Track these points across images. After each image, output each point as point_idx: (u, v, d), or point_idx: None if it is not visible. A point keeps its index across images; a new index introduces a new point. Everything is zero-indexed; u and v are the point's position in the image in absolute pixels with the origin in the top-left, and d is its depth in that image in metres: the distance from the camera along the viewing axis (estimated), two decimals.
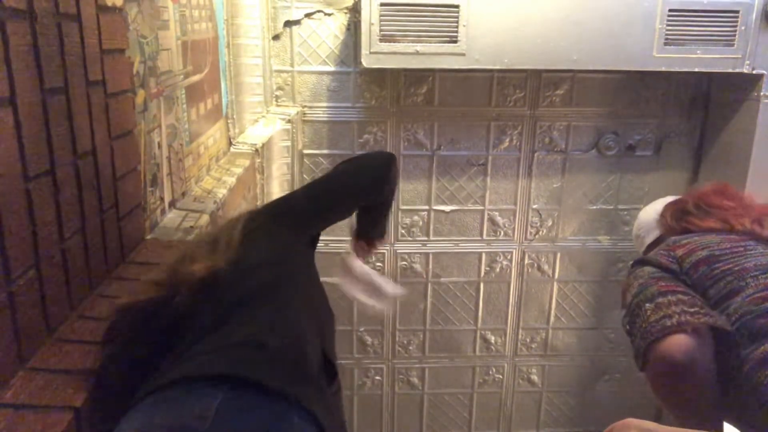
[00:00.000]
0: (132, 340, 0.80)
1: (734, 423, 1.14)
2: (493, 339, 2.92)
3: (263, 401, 0.64)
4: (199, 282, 0.81)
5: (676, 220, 1.43)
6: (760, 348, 1.04)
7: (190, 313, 0.79)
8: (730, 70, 2.26)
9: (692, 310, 1.10)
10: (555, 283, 2.85)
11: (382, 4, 2.10)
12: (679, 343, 1.06)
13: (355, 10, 2.37)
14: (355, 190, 1.18)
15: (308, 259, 1.05)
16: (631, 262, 1.35)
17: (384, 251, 2.71)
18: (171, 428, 0.60)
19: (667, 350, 1.07)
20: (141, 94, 1.23)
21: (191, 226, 1.35)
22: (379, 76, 2.48)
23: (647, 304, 1.16)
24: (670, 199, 1.54)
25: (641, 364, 1.15)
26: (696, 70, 2.25)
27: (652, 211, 1.56)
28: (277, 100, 2.51)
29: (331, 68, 2.49)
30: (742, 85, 2.36)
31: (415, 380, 2.95)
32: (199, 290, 0.81)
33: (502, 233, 2.76)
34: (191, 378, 0.65)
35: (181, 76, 1.51)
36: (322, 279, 1.03)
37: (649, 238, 1.53)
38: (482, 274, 2.81)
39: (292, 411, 0.64)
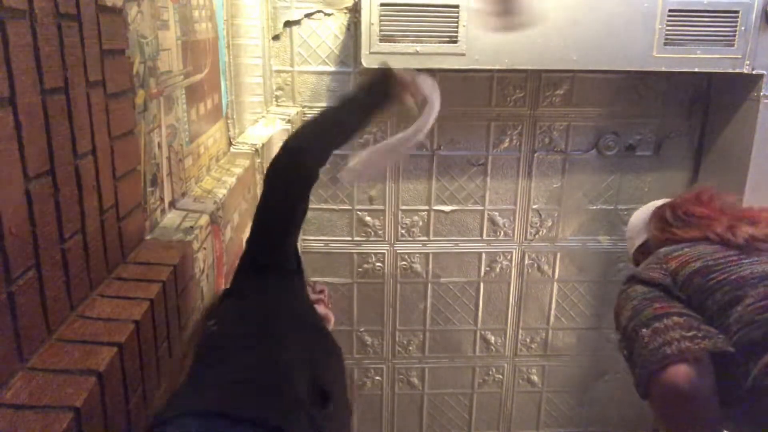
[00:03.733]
0: None
1: None
2: (493, 339, 2.91)
3: (238, 425, 0.71)
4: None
5: (660, 230, 1.42)
6: None
7: None
8: (730, 70, 2.25)
9: (690, 334, 1.08)
10: (555, 283, 2.85)
11: (382, 4, 2.10)
12: (681, 373, 1.05)
13: (355, 10, 2.37)
14: (279, 217, 1.18)
15: (292, 293, 1.08)
16: (623, 280, 1.33)
17: (384, 251, 2.71)
18: None
19: (670, 381, 1.06)
20: (141, 94, 1.23)
21: (191, 226, 1.35)
22: None
23: (643, 330, 1.14)
24: (659, 202, 1.53)
25: (643, 394, 1.14)
26: (696, 70, 2.25)
27: (642, 215, 1.57)
28: (277, 100, 2.51)
29: (331, 68, 2.49)
30: (742, 85, 2.36)
31: (415, 380, 2.95)
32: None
33: (502, 233, 2.76)
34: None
35: (181, 76, 1.51)
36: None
37: (638, 241, 1.55)
38: (482, 274, 2.81)
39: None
